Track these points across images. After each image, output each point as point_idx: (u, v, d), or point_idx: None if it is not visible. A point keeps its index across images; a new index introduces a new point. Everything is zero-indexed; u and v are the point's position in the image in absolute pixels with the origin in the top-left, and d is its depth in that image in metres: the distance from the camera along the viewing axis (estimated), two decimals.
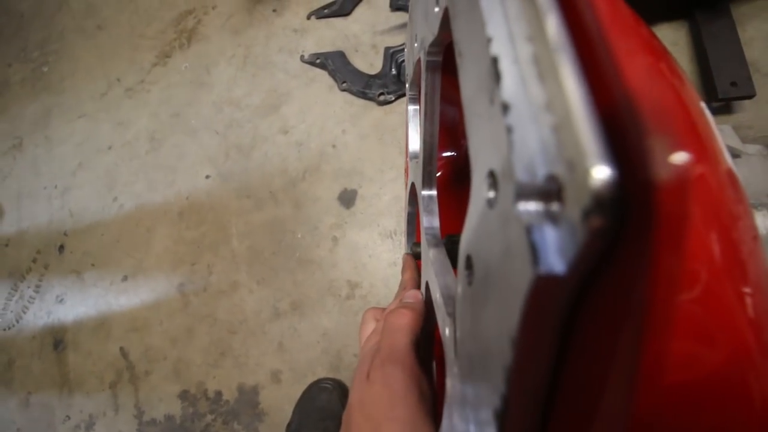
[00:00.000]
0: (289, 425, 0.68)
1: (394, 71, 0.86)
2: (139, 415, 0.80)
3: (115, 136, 1.03)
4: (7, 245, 1.00)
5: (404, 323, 0.25)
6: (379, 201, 0.82)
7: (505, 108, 0.10)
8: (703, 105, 0.22)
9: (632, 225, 0.07)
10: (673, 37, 0.74)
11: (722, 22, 0.68)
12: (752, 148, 0.32)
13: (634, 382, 0.08)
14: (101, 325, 0.88)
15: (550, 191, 0.09)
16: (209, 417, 0.77)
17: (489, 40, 0.11)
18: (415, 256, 0.33)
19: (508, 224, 0.10)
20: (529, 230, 0.09)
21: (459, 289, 0.15)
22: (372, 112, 0.88)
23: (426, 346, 0.28)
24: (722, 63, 0.66)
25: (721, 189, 0.18)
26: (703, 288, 0.17)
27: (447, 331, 0.17)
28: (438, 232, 0.26)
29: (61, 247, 0.96)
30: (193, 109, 1.00)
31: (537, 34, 0.10)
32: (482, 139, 0.12)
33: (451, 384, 0.17)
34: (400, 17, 0.93)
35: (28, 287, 0.95)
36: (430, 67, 0.25)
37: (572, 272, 0.08)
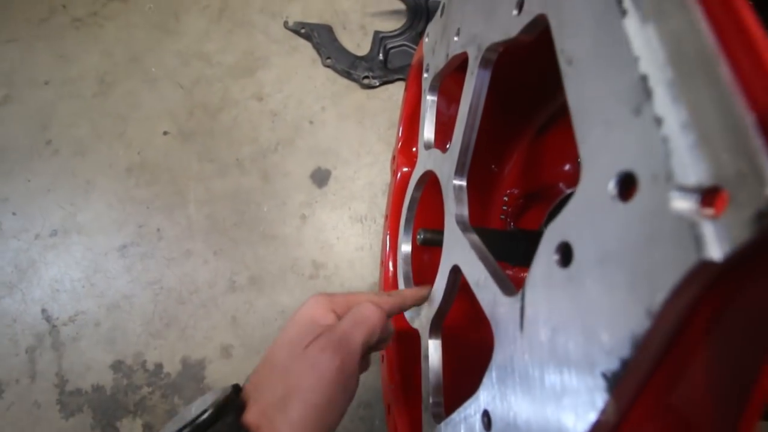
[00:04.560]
0: None
1: (381, 57, 0.86)
2: (62, 384, 0.72)
3: (54, 70, 0.90)
4: None
5: (374, 322, 0.26)
6: (353, 184, 0.82)
7: (659, 121, 0.12)
8: None
9: None
10: None
11: None
12: None
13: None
14: (20, 282, 0.77)
15: (709, 192, 0.10)
16: (146, 389, 0.72)
17: (636, 59, 0.13)
18: (424, 243, 0.34)
19: (654, 217, 0.12)
20: (693, 224, 0.11)
21: (537, 272, 0.17)
22: (354, 93, 0.87)
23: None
24: None
25: None
26: None
27: (503, 309, 0.19)
28: (468, 219, 0.27)
29: None
30: (154, 56, 0.91)
31: (689, 59, 0.11)
32: (609, 143, 0.14)
33: (509, 352, 0.19)
34: (393, 3, 0.92)
35: None
36: (483, 64, 0.26)
37: (726, 260, 0.10)
